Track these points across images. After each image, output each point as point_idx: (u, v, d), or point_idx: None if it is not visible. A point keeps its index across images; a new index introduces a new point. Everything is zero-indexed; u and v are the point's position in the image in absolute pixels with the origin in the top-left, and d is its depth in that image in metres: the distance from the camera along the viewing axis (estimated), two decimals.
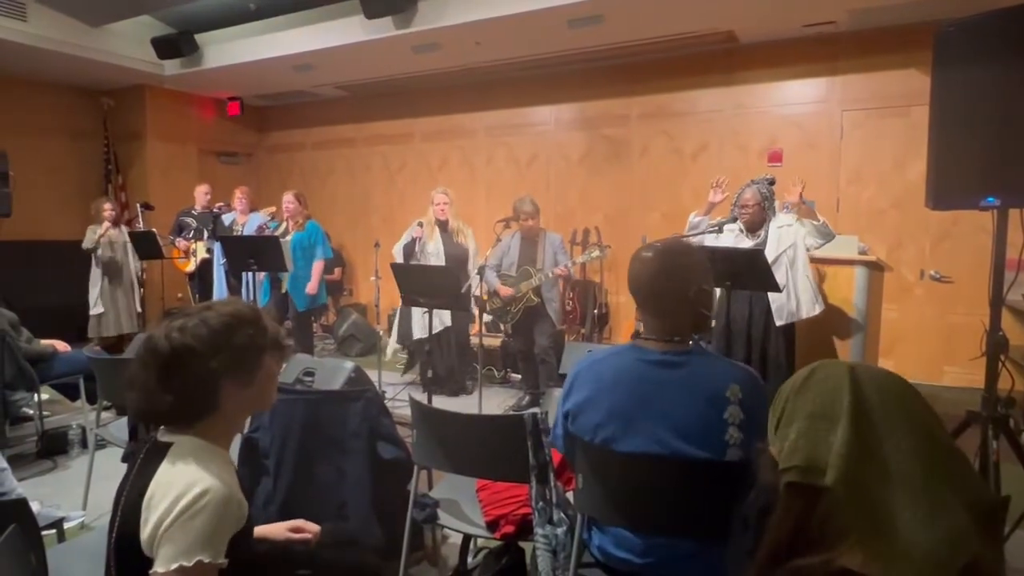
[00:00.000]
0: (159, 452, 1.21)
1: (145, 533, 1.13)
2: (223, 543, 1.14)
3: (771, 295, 3.63)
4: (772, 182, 3.86)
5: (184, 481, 1.14)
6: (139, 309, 6.13)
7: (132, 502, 1.17)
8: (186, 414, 1.23)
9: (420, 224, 5.09)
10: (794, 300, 3.67)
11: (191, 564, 1.09)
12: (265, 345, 1.30)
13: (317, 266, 5.33)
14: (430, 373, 4.55)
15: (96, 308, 5.82)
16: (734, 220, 3.80)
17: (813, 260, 3.96)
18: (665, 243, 1.66)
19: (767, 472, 0.90)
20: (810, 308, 3.70)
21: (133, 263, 6.02)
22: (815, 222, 3.69)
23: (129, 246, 5.94)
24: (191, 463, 1.18)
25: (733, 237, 3.80)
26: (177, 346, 1.20)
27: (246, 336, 1.26)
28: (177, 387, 1.20)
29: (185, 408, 1.22)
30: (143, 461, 1.22)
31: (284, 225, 5.45)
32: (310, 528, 1.56)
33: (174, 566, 1.09)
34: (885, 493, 0.77)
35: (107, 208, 5.79)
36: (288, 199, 5.39)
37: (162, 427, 1.28)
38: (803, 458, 0.83)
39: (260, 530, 1.53)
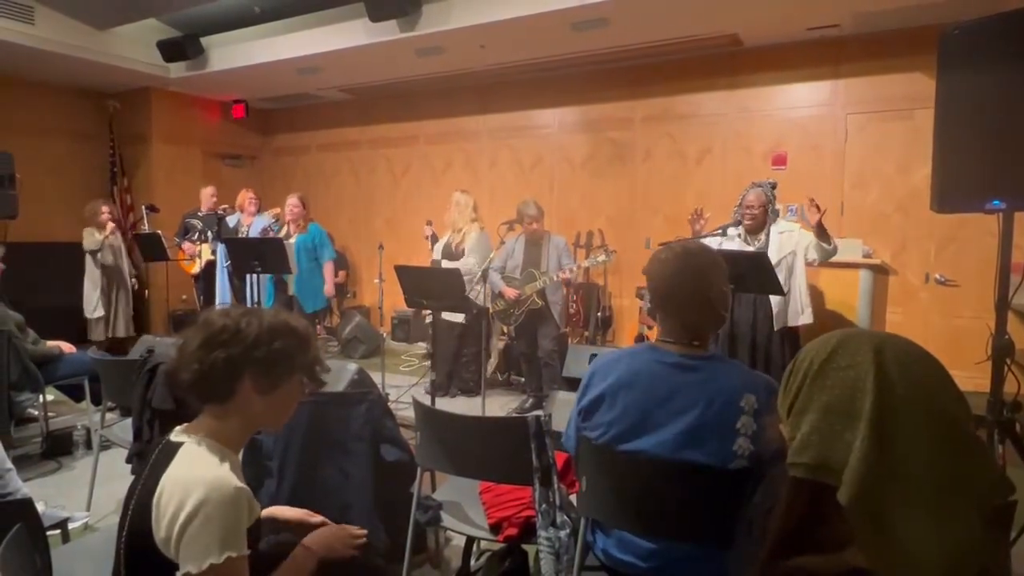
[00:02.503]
0: (170, 452, 1.23)
1: (160, 532, 1.15)
2: (244, 536, 1.18)
3: (772, 299, 3.62)
4: (774, 186, 3.84)
5: (195, 480, 1.16)
6: (131, 312, 6.13)
7: (143, 501, 1.18)
8: (201, 389, 1.26)
9: (429, 223, 5.25)
10: (786, 307, 3.67)
11: (221, 561, 1.12)
12: (300, 365, 1.32)
13: (328, 267, 5.38)
14: (433, 375, 4.54)
15: (97, 311, 5.80)
16: (738, 224, 3.80)
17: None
18: (683, 244, 1.64)
19: (775, 440, 0.88)
20: (796, 316, 3.67)
21: (126, 267, 6.03)
22: (826, 245, 3.57)
23: (123, 250, 5.95)
24: (201, 462, 1.20)
25: (734, 244, 3.79)
26: (228, 324, 1.26)
27: (288, 347, 1.29)
28: (206, 360, 1.23)
29: (202, 382, 1.25)
30: (155, 461, 1.24)
31: (286, 228, 5.46)
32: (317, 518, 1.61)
33: (206, 565, 1.12)
34: (898, 500, 0.74)
35: (105, 211, 5.77)
36: (293, 202, 5.40)
37: (176, 428, 1.29)
38: (813, 456, 0.79)
39: (274, 510, 1.58)
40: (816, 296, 3.83)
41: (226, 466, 1.21)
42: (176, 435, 1.27)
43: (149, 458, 1.27)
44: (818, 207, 3.53)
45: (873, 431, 0.76)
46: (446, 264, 4.89)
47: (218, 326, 1.26)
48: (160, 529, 1.14)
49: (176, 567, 1.14)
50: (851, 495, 0.75)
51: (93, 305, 5.78)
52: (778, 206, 3.90)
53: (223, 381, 1.25)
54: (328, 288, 5.37)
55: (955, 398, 0.80)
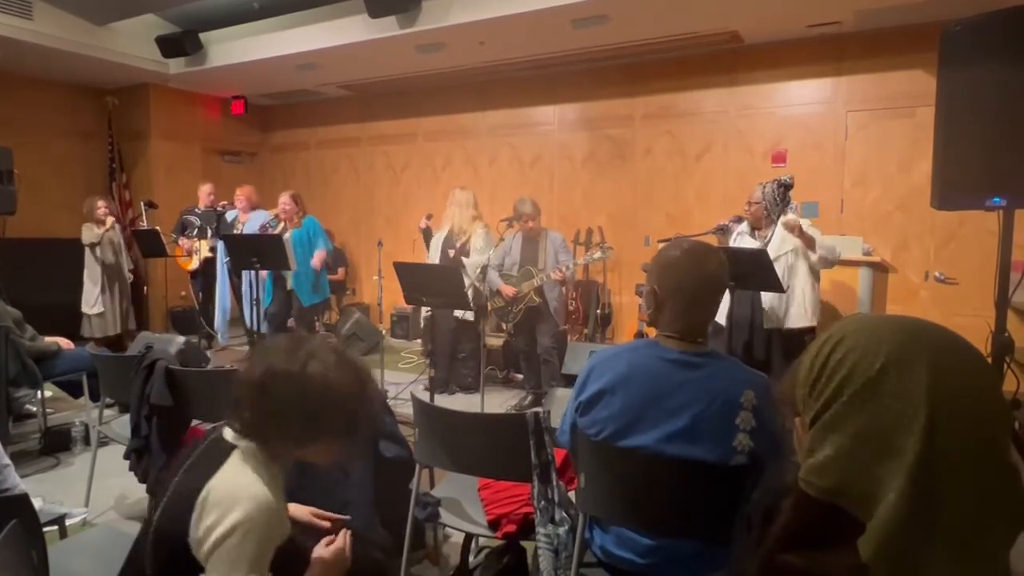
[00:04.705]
0: (222, 453, 1.23)
1: (197, 532, 1.16)
2: (269, 559, 1.20)
3: (764, 298, 3.56)
4: (786, 186, 3.66)
5: (241, 495, 1.17)
6: (129, 306, 6.12)
7: (186, 494, 1.19)
8: (250, 432, 1.26)
9: (429, 216, 5.19)
10: (783, 307, 3.55)
11: None
12: (334, 432, 1.28)
13: (319, 254, 5.32)
14: (433, 372, 4.55)
15: (96, 307, 5.78)
16: (740, 220, 3.81)
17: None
18: (692, 243, 1.64)
19: (783, 432, 0.83)
20: (797, 319, 3.53)
21: (125, 263, 6.02)
22: (812, 253, 3.52)
23: (122, 246, 5.93)
24: (250, 475, 1.20)
25: (738, 238, 3.79)
26: (292, 374, 1.22)
27: (337, 413, 1.25)
28: (258, 410, 1.23)
29: (253, 428, 1.25)
30: (204, 453, 1.24)
31: (282, 224, 5.44)
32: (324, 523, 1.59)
33: None
34: (930, 555, 0.66)
35: (101, 206, 5.74)
36: (284, 200, 5.39)
37: (227, 427, 1.29)
38: (832, 482, 0.72)
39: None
40: None
41: (272, 485, 1.22)
42: (229, 435, 1.27)
43: (198, 446, 1.27)
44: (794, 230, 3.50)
45: (913, 487, 0.66)
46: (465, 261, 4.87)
47: (280, 372, 1.22)
48: (198, 529, 1.16)
49: (199, 567, 1.16)
50: (876, 552, 0.68)
51: (92, 301, 5.76)
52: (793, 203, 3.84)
53: (273, 434, 1.25)
54: (315, 262, 5.28)
55: (1003, 424, 0.71)
